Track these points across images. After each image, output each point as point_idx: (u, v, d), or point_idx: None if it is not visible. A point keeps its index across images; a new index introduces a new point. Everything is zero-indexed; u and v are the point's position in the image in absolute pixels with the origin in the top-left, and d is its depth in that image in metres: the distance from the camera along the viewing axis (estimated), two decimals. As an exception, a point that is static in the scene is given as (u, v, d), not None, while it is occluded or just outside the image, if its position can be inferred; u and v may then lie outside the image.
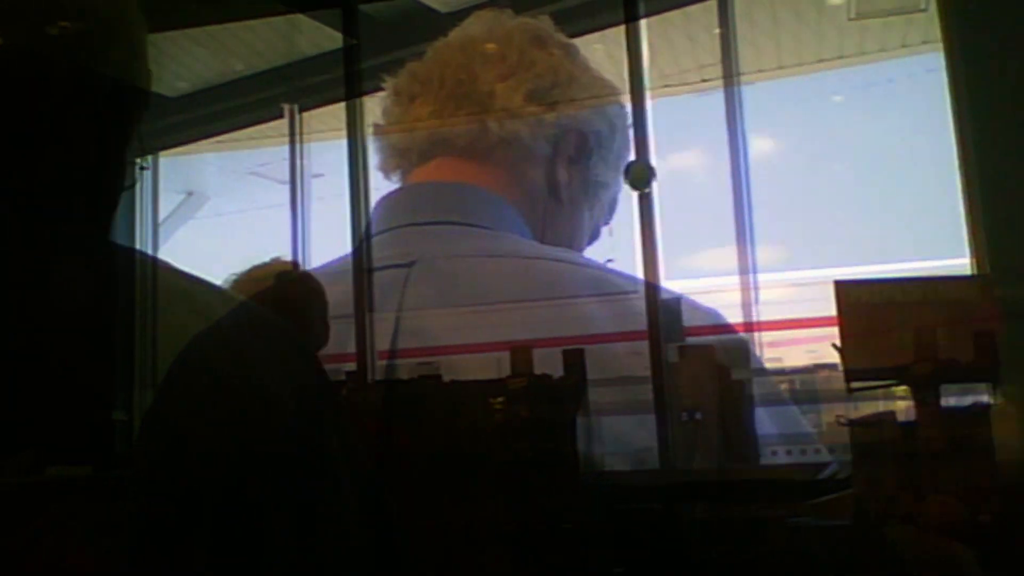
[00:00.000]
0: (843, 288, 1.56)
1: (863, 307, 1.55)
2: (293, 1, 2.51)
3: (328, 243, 2.64)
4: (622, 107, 2.74)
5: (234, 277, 1.67)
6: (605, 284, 2.42)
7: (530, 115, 2.54)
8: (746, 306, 2.51)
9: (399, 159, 2.65)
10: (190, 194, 2.33)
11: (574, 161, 2.64)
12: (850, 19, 3.54)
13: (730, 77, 2.68)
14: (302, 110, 2.92)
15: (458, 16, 2.77)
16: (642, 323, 2.23)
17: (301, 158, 2.74)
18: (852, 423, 1.49)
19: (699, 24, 3.37)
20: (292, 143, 2.69)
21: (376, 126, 2.77)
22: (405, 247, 2.38)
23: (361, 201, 2.31)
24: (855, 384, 1.56)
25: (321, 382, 0.97)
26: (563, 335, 2.16)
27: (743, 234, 2.63)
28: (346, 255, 2.54)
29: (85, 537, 0.87)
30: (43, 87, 1.87)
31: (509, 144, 2.51)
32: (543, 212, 2.61)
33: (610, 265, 2.65)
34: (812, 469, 1.82)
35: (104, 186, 1.08)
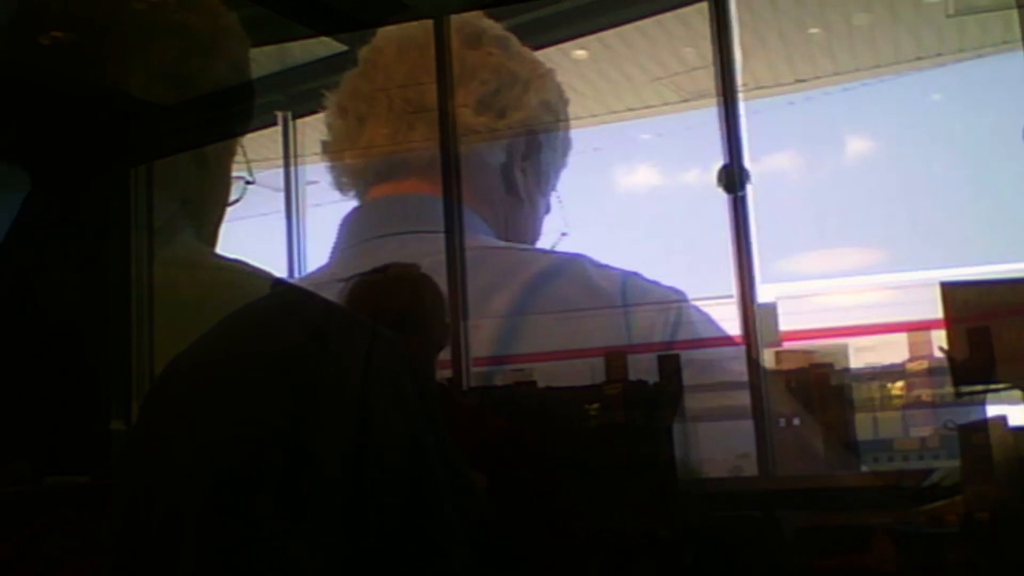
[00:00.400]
0: (950, 290, 1.52)
1: (971, 309, 1.51)
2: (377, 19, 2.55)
3: (326, 249, 2.69)
4: (557, 85, 2.80)
5: (355, 279, 1.69)
6: (558, 265, 2.50)
7: (482, 126, 2.58)
8: (846, 310, 2.47)
9: (355, 178, 2.72)
10: (185, 202, 2.31)
11: (526, 158, 2.71)
12: (948, 16, 3.44)
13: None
14: (295, 117, 2.94)
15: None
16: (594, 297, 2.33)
17: (296, 165, 2.75)
18: (962, 428, 1.45)
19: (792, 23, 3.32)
20: (286, 150, 2.70)
21: (325, 144, 2.82)
22: (375, 257, 2.43)
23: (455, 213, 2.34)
24: (964, 388, 1.51)
25: (419, 384, 0.96)
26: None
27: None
28: (321, 267, 2.63)
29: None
30: (155, 105, 1.93)
31: (467, 160, 2.57)
32: (504, 212, 2.68)
33: (563, 239, 2.71)
34: (918, 475, 1.77)
35: (211, 201, 1.09)
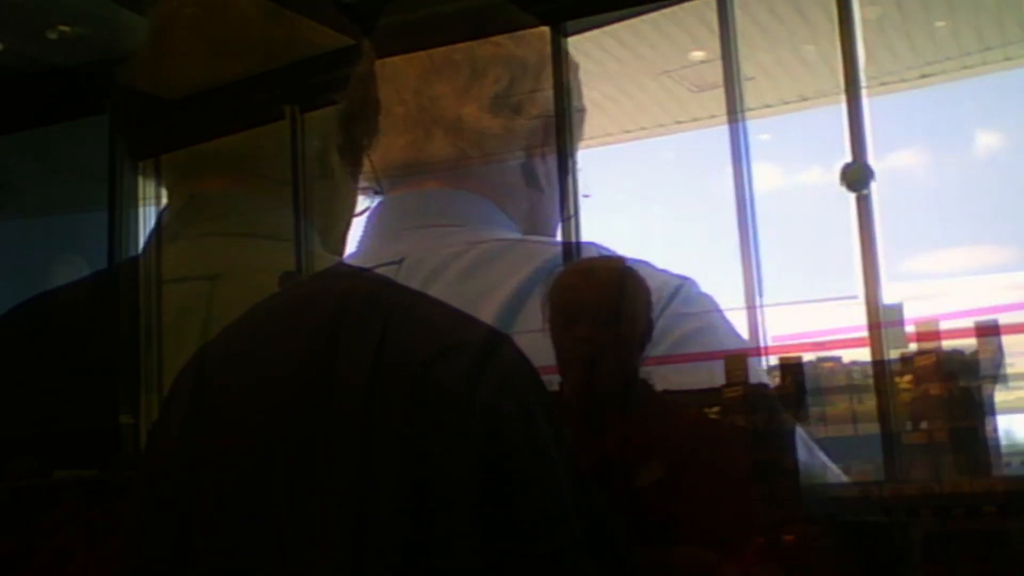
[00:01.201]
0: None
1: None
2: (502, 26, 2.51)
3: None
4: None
5: (560, 268, 1.69)
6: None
7: (500, 128, 2.49)
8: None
9: (374, 184, 2.70)
10: (192, 196, 2.29)
11: (545, 142, 2.59)
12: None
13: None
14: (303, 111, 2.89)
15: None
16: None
17: (303, 160, 2.73)
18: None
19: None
20: (295, 145, 2.69)
21: (341, 150, 2.78)
22: (395, 248, 2.43)
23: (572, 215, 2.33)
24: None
25: (539, 395, 0.96)
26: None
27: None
28: (347, 256, 2.63)
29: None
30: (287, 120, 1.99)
31: (487, 163, 2.51)
32: (528, 204, 2.60)
33: (586, 200, 2.60)
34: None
35: (337, 212, 1.11)
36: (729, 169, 2.48)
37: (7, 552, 1.47)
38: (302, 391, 0.90)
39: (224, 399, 0.93)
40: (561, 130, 2.23)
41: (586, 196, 2.61)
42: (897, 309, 2.15)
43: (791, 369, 2.04)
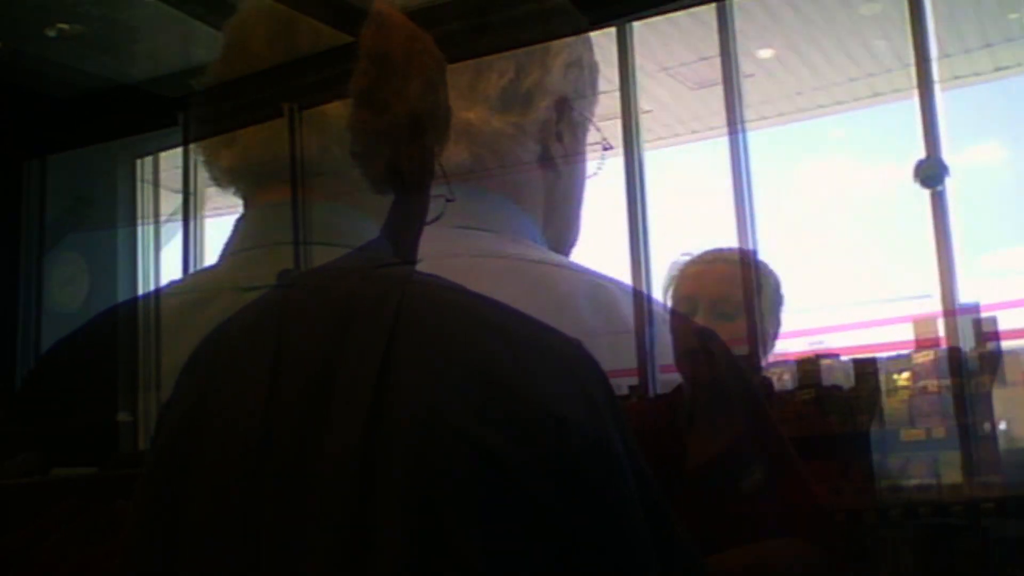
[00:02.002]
0: None
1: None
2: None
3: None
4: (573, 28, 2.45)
5: (686, 259, 1.65)
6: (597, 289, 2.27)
7: (511, 127, 2.35)
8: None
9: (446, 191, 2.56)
10: (266, 206, 2.33)
11: (559, 121, 2.41)
12: None
13: None
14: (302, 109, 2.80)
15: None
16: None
17: (302, 157, 2.69)
18: None
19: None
20: (293, 142, 2.65)
21: (355, 155, 2.66)
22: (423, 251, 2.29)
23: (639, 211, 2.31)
24: None
25: (605, 396, 0.93)
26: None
27: None
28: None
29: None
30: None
31: (502, 164, 2.40)
32: (545, 192, 2.45)
33: (608, 154, 2.41)
34: None
35: (408, 219, 1.11)
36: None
37: (5, 550, 1.49)
38: (299, 399, 0.89)
39: (224, 400, 0.93)
40: (629, 131, 2.20)
41: (608, 148, 2.46)
42: (973, 308, 2.12)
43: (865, 370, 2.02)
